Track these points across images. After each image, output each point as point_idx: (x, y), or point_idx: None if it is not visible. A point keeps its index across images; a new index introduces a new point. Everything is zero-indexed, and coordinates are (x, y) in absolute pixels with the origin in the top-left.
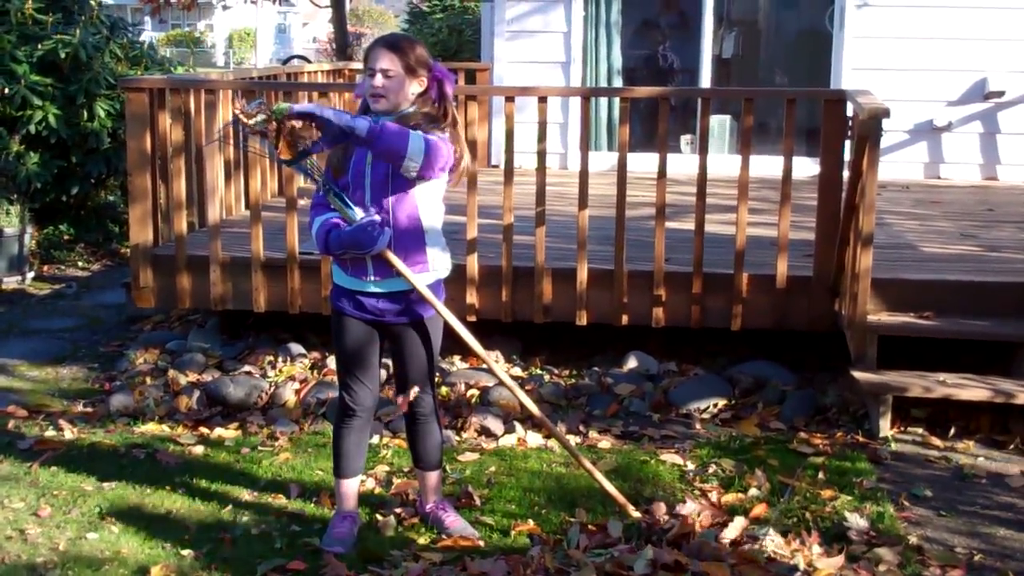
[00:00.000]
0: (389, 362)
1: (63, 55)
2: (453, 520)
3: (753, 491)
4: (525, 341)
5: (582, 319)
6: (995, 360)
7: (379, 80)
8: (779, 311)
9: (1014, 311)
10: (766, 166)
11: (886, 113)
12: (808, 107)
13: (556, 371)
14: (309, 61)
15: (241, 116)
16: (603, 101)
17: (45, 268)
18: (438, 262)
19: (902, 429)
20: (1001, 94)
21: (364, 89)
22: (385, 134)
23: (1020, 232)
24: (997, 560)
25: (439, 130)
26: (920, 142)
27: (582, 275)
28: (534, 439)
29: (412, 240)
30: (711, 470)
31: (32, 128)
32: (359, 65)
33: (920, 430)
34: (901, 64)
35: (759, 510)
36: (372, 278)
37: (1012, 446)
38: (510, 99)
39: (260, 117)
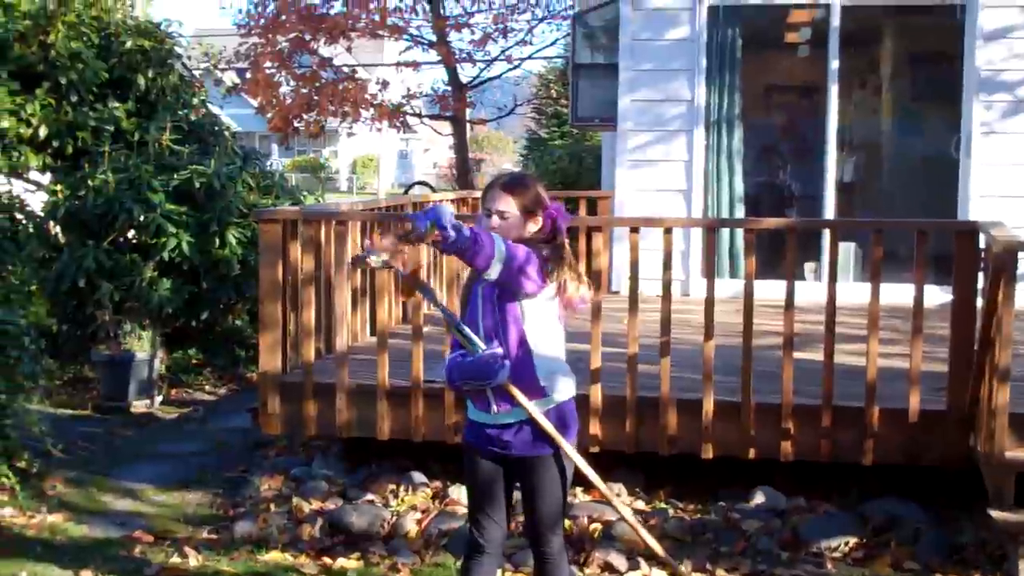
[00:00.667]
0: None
1: (198, 184)
2: None
3: None
4: (648, 473)
5: (708, 452)
6: None
7: (496, 221)
8: (912, 446)
9: None
10: (890, 294)
11: (1021, 246)
12: (935, 234)
13: (680, 505)
14: (432, 188)
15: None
16: (725, 229)
17: (173, 392)
18: (556, 387)
19: None
20: None
21: (482, 226)
22: (468, 235)
23: None
24: None
25: (562, 268)
26: None
27: (708, 406)
28: None
29: (524, 368)
30: None
31: (165, 255)
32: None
33: None
34: None
35: None
36: (496, 408)
37: None
38: (635, 229)
39: (378, 259)
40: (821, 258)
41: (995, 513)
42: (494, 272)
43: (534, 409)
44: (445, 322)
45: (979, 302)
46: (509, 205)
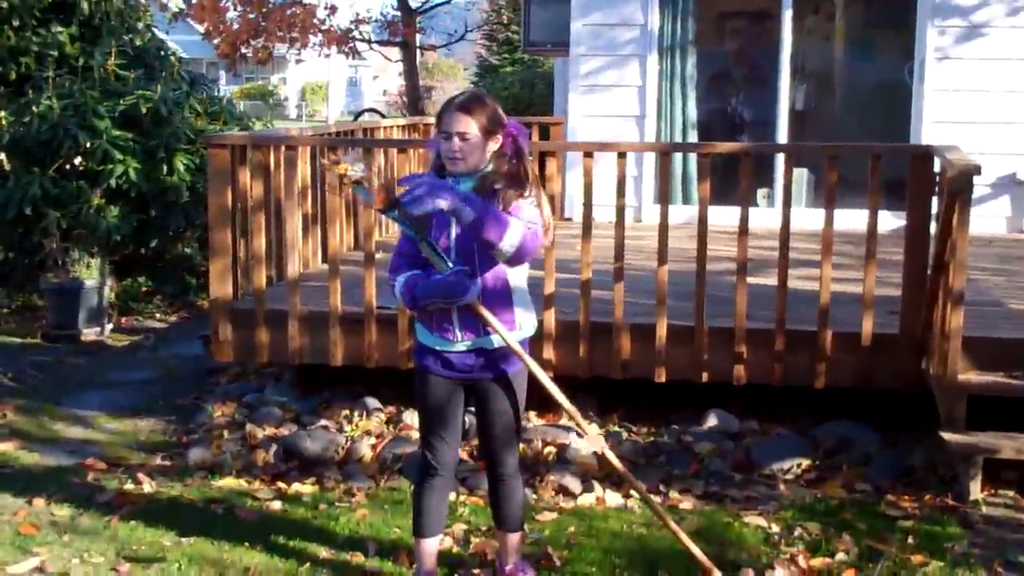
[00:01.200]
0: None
1: (144, 110)
2: None
3: (841, 555)
4: (602, 398)
5: (661, 376)
6: None
7: (456, 144)
8: (864, 369)
9: None
10: (842, 219)
11: (977, 170)
12: (888, 159)
13: (634, 429)
14: (382, 115)
15: (335, 167)
16: (678, 154)
17: (123, 320)
18: (524, 321)
19: (992, 492)
20: None
21: (438, 148)
22: (485, 224)
23: None
24: None
25: (524, 193)
26: (1003, 196)
27: (661, 331)
28: (613, 499)
29: (499, 300)
30: (797, 533)
31: (113, 182)
32: (432, 119)
33: (1011, 493)
34: (983, 117)
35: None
36: (459, 336)
37: None
38: (588, 154)
39: (359, 166)
40: (774, 184)
41: (947, 435)
42: (501, 259)
43: (505, 331)
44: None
45: (932, 227)
46: (469, 126)
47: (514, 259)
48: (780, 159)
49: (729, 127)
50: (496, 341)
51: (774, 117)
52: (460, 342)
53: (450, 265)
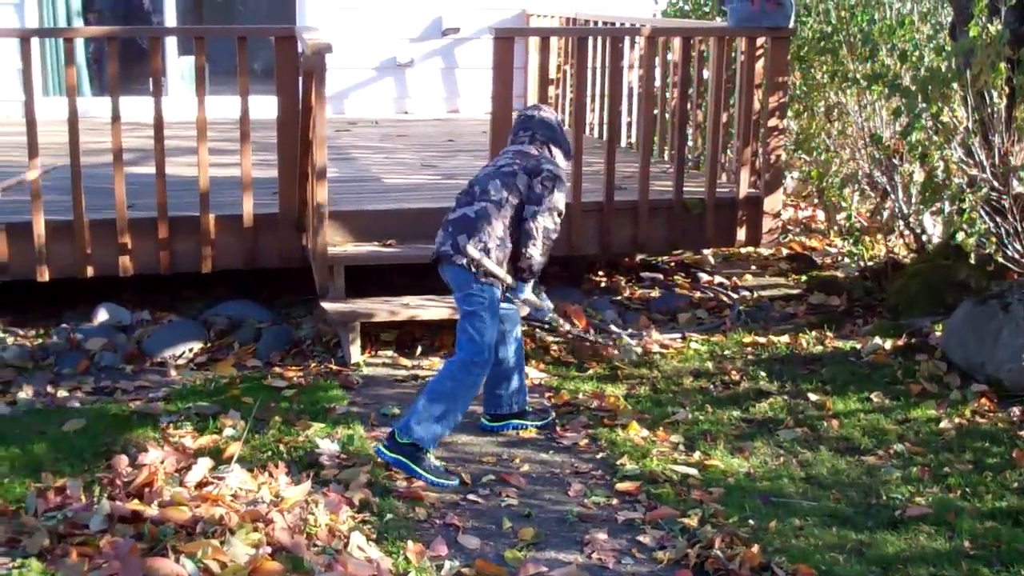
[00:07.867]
0: None
1: None
2: None
3: (228, 431)
4: None
5: (43, 275)
6: None
7: None
8: (249, 250)
9: None
10: (226, 105)
11: (328, 48)
12: (269, 46)
13: (22, 332)
14: None
15: None
16: (60, 45)
17: None
18: None
19: (373, 353)
20: (457, 30)
21: None
22: None
23: (475, 159)
24: (459, 465)
25: None
26: (386, 78)
27: (39, 228)
28: None
29: None
30: (185, 415)
31: None
32: None
33: (390, 352)
34: (362, 3)
35: (233, 449)
36: None
37: None
38: None
39: None
40: (161, 72)
41: (326, 304)
42: None
43: None
44: None
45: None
46: None
47: None
48: (166, 43)
49: (120, 13)
50: None
51: (161, 3)
52: None
53: None
